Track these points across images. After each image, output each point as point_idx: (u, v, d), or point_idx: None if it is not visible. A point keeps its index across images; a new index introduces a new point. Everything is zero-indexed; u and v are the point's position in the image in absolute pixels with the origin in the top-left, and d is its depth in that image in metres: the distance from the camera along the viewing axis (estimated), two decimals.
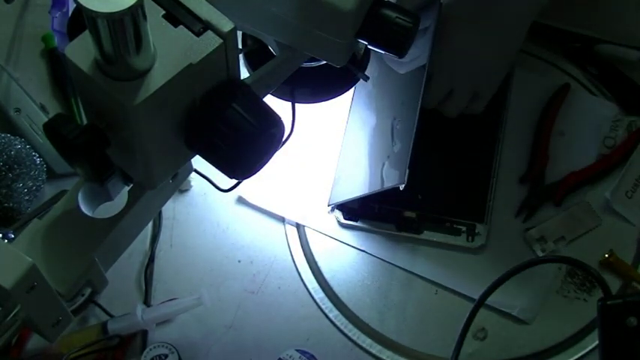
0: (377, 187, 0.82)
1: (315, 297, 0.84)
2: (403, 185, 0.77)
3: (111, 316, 0.82)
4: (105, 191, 0.63)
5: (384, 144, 0.86)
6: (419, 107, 0.79)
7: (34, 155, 0.87)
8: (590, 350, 0.80)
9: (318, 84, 0.75)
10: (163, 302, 0.83)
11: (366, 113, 0.90)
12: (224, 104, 0.56)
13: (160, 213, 0.88)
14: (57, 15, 0.94)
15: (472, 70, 0.83)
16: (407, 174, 0.76)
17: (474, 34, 0.83)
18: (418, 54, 0.84)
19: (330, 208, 0.87)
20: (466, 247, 0.84)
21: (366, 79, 0.75)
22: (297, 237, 0.87)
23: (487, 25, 0.83)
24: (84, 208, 0.62)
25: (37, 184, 0.86)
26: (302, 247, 0.87)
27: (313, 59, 0.72)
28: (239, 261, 0.86)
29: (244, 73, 0.66)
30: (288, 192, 0.88)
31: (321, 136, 0.90)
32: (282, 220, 0.88)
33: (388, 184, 0.81)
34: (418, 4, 0.85)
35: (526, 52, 0.92)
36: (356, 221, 0.86)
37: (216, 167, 0.58)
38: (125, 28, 0.48)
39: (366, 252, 0.85)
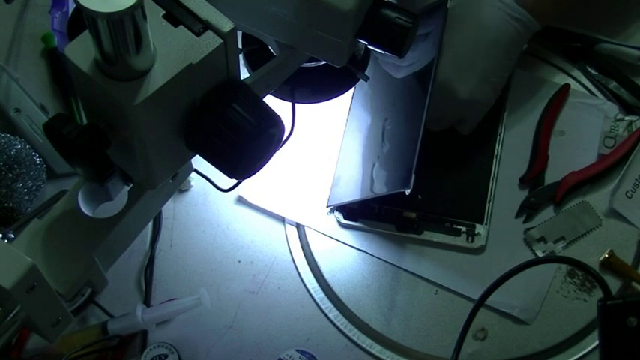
0: (379, 191, 0.82)
1: (315, 297, 0.84)
2: (409, 190, 0.77)
3: (111, 316, 0.82)
4: (105, 191, 0.63)
5: (375, 145, 0.86)
6: (425, 112, 0.79)
7: (34, 155, 0.87)
8: (590, 350, 0.80)
9: (318, 84, 0.75)
10: (163, 302, 0.83)
11: (362, 114, 0.90)
12: (224, 104, 0.56)
13: (160, 213, 0.88)
14: (57, 15, 0.94)
15: (454, 100, 0.83)
16: (413, 179, 0.76)
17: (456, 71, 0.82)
18: (417, 58, 0.84)
19: (329, 209, 0.87)
20: (466, 247, 0.84)
21: (366, 79, 0.75)
22: (297, 237, 0.87)
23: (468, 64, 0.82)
24: (84, 208, 0.62)
25: (37, 184, 0.86)
26: (302, 247, 0.87)
27: (313, 59, 0.72)
28: (239, 261, 0.86)
29: (244, 73, 0.66)
30: (288, 192, 0.88)
31: (321, 136, 0.90)
32: (282, 220, 0.88)
33: (380, 186, 0.81)
34: (421, 10, 0.85)
35: (526, 52, 0.92)
36: (356, 221, 0.86)
37: (216, 167, 0.58)
38: (125, 28, 0.48)
39: (366, 252, 0.85)
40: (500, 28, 0.80)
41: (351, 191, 0.85)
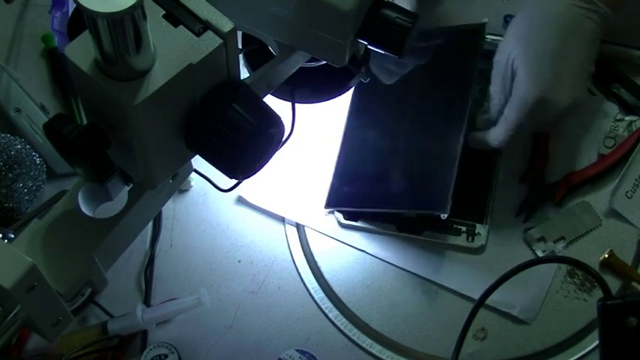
0: (401, 207, 0.83)
1: (315, 297, 0.84)
2: (446, 215, 0.78)
3: (111, 316, 0.82)
4: (105, 191, 0.63)
5: (387, 155, 0.86)
6: (462, 134, 0.81)
7: (34, 155, 0.87)
8: (590, 350, 0.80)
9: (318, 84, 0.75)
10: (163, 302, 0.83)
11: (366, 118, 0.90)
12: (224, 104, 0.56)
13: (160, 213, 0.88)
14: (57, 15, 0.94)
15: (554, 109, 0.79)
16: (449, 205, 0.78)
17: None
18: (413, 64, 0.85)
19: (327, 210, 0.86)
20: (466, 247, 0.84)
21: (366, 79, 0.75)
22: (297, 237, 0.87)
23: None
24: (84, 208, 0.62)
25: (37, 184, 0.86)
26: (302, 247, 0.87)
27: (313, 59, 0.72)
28: (239, 261, 0.86)
29: (244, 73, 0.66)
30: (288, 192, 0.88)
31: (320, 136, 0.90)
32: (282, 220, 0.88)
33: (404, 202, 0.83)
34: (447, 28, 0.88)
35: None
36: (356, 221, 0.86)
37: (216, 167, 0.58)
38: (125, 28, 0.48)
39: (366, 252, 0.85)
40: (581, 24, 0.79)
41: (357, 199, 0.85)
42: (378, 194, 0.85)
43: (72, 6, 0.94)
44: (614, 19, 0.81)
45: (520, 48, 0.79)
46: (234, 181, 0.75)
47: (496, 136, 0.81)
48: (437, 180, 0.82)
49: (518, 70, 0.78)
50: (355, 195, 0.85)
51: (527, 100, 0.77)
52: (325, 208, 0.86)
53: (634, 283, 0.82)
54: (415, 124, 0.87)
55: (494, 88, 0.82)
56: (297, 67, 0.70)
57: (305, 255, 0.86)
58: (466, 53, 0.88)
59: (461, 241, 0.84)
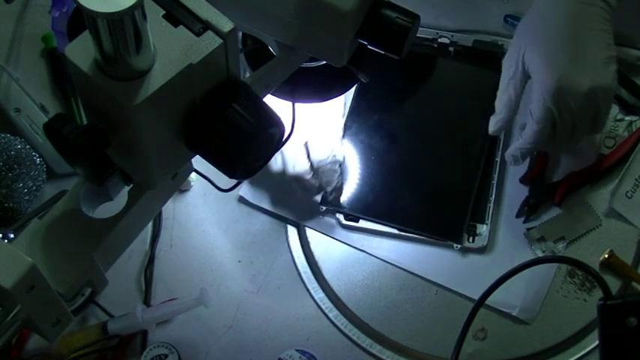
0: (409, 226, 0.84)
1: (315, 297, 0.84)
2: (459, 246, 0.82)
3: (111, 316, 0.82)
4: (105, 191, 0.64)
5: (396, 169, 0.86)
6: (483, 160, 0.84)
7: (34, 155, 0.87)
8: (590, 350, 0.79)
9: (318, 84, 0.75)
10: (163, 302, 0.83)
11: (371, 126, 0.89)
12: (224, 104, 0.56)
13: (160, 213, 0.88)
14: (57, 15, 0.94)
15: (577, 96, 0.77)
16: (465, 237, 0.82)
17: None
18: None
19: (324, 209, 0.86)
20: (467, 247, 0.84)
21: (366, 79, 0.75)
22: (297, 237, 0.87)
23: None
24: (84, 208, 0.62)
25: (37, 184, 0.86)
26: (302, 247, 0.87)
27: (313, 59, 0.72)
28: (239, 261, 0.86)
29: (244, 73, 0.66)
30: (288, 192, 0.88)
31: (320, 136, 0.90)
32: (282, 220, 0.88)
33: (414, 222, 0.84)
34: None
35: None
36: (356, 221, 0.86)
37: (216, 167, 0.59)
38: (125, 28, 0.49)
39: (366, 252, 0.85)
40: (587, 12, 0.78)
41: (358, 205, 0.85)
42: (381, 205, 0.85)
43: (72, 6, 0.94)
44: (617, 5, 0.81)
45: (530, 42, 0.78)
46: (234, 181, 0.75)
47: (527, 136, 0.80)
48: (452, 206, 0.84)
49: (531, 63, 0.78)
50: (356, 200, 0.85)
51: (547, 87, 0.76)
52: (321, 205, 0.86)
53: (634, 283, 0.82)
54: (430, 143, 0.88)
55: (503, 90, 0.81)
56: (297, 67, 0.70)
57: (305, 255, 0.86)
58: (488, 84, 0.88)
59: (461, 240, 0.84)
